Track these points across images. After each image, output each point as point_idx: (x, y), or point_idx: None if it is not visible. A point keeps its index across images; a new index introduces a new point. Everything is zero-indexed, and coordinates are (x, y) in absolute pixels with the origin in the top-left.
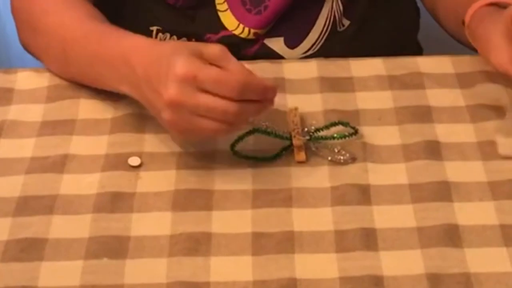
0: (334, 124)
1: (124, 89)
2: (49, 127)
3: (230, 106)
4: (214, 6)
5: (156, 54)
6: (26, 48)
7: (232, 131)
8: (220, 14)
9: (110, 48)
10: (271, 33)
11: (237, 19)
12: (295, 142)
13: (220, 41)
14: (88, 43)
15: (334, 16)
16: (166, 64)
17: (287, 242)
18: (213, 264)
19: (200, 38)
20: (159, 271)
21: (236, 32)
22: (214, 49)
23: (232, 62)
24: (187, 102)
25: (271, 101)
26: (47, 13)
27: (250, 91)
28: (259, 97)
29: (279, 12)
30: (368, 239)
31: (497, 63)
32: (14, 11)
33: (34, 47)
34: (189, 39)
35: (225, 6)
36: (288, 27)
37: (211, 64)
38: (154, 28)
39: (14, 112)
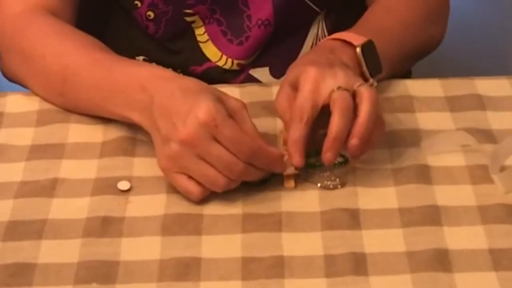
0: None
1: (132, 115)
2: (39, 151)
3: (237, 164)
4: (195, 37)
5: (180, 87)
6: (8, 74)
7: (226, 187)
8: (201, 45)
9: (124, 74)
10: (256, 63)
11: (219, 50)
12: (285, 171)
13: (205, 73)
14: (96, 70)
15: None
16: (191, 102)
17: (277, 267)
18: None
19: (185, 70)
20: None
21: (220, 63)
22: (236, 104)
23: (247, 123)
24: (200, 145)
25: (275, 170)
26: (44, 42)
27: (258, 158)
28: (265, 166)
29: (261, 42)
30: (358, 264)
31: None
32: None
33: (21, 74)
34: (174, 71)
35: (206, 37)
36: (273, 57)
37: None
38: (140, 58)
39: (4, 135)
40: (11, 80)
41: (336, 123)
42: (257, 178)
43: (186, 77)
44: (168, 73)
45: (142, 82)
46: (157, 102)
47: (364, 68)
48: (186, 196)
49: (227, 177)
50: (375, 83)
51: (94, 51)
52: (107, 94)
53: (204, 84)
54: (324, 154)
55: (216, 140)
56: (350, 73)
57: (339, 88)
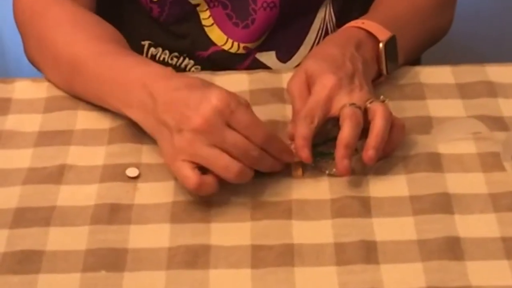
0: (332, 139)
1: (130, 112)
2: (46, 138)
3: (253, 149)
4: (200, 21)
5: (183, 82)
6: (30, 58)
7: (239, 176)
8: (206, 29)
9: (124, 70)
10: (263, 47)
11: (225, 33)
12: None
13: (210, 57)
14: (100, 61)
15: (327, 28)
16: (200, 93)
17: (287, 255)
18: (212, 277)
19: (191, 54)
20: (157, 284)
21: (226, 47)
22: (242, 98)
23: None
24: (215, 132)
25: (285, 162)
26: (58, 28)
27: (272, 144)
28: (277, 153)
29: (267, 25)
30: (369, 252)
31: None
32: (19, 23)
33: (40, 59)
34: (180, 55)
35: (211, 21)
36: (279, 41)
37: None
38: (146, 43)
39: (12, 122)
40: (32, 64)
41: (347, 132)
42: (269, 168)
43: (186, 74)
44: (169, 71)
45: (143, 80)
46: (160, 100)
47: (383, 65)
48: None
49: (240, 164)
50: (387, 100)
51: (103, 42)
52: (107, 88)
53: (206, 81)
54: (340, 163)
55: (230, 127)
56: (365, 90)
57: (351, 104)
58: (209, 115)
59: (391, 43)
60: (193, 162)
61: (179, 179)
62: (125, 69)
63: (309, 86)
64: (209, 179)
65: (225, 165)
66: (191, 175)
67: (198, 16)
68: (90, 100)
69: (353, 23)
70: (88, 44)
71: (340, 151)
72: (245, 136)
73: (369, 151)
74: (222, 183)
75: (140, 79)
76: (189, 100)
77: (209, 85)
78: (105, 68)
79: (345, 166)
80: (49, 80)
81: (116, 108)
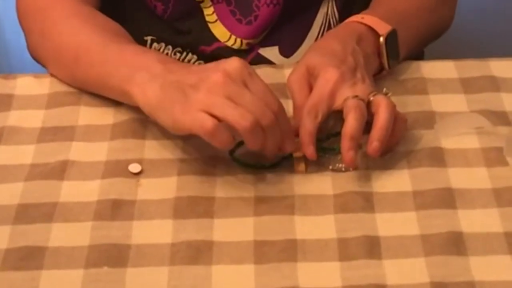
0: (335, 134)
1: (131, 85)
2: (49, 133)
3: (268, 110)
4: (203, 17)
5: (194, 65)
6: (33, 54)
7: (253, 131)
8: (210, 25)
9: (133, 55)
10: (266, 43)
11: (228, 30)
12: (295, 153)
13: (214, 53)
14: (108, 48)
15: (329, 23)
16: (216, 63)
17: (290, 250)
18: (214, 272)
19: (194, 50)
20: (160, 280)
21: (229, 43)
22: None
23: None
24: (234, 86)
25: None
26: (63, 21)
27: (283, 117)
28: (285, 133)
29: (270, 21)
30: (372, 247)
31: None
32: (22, 18)
33: (42, 53)
34: (183, 51)
35: (215, 17)
36: (282, 36)
37: None
38: (149, 38)
39: (14, 118)
40: (36, 60)
41: (351, 123)
42: (274, 146)
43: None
44: (171, 58)
45: (154, 62)
46: (174, 72)
47: (384, 59)
48: (198, 178)
49: (254, 121)
50: (390, 93)
51: (110, 33)
52: (112, 69)
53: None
54: (345, 155)
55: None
56: (367, 83)
57: (354, 97)
58: (230, 72)
59: (391, 37)
60: (208, 112)
61: (193, 129)
62: (132, 54)
63: (309, 81)
64: (225, 127)
65: (241, 114)
66: (207, 119)
67: (202, 12)
68: (90, 87)
69: (353, 18)
70: (94, 34)
71: (345, 143)
72: (262, 99)
73: (374, 143)
74: (225, 180)
75: (149, 61)
76: (207, 67)
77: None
78: (111, 54)
79: (351, 157)
80: (52, 75)
81: (117, 88)
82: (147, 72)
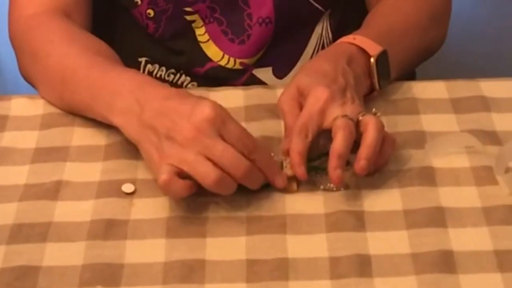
0: (326, 154)
1: (113, 116)
2: (43, 154)
3: (242, 161)
4: (195, 38)
5: (174, 91)
6: (24, 75)
7: (219, 185)
8: (202, 45)
9: (115, 77)
10: (259, 63)
11: (221, 49)
12: (287, 173)
13: (207, 73)
14: (92, 71)
15: (323, 44)
16: (191, 102)
17: (282, 269)
18: None
19: (188, 71)
20: None
21: (222, 63)
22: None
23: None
24: (206, 141)
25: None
26: (51, 42)
27: (262, 156)
28: (266, 167)
29: (263, 40)
30: (363, 265)
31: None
32: (13, 39)
33: (32, 75)
34: (177, 72)
35: (207, 37)
36: (276, 57)
37: None
38: (143, 59)
39: (8, 138)
40: (27, 81)
41: (339, 142)
42: (256, 184)
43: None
44: (159, 82)
45: (130, 87)
46: (148, 106)
47: (375, 80)
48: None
49: (228, 176)
50: (379, 113)
51: (96, 55)
52: (96, 94)
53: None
54: (332, 173)
55: (222, 138)
56: (357, 103)
57: (344, 116)
58: (202, 125)
59: (382, 58)
60: (176, 167)
61: (157, 179)
62: (114, 77)
63: (300, 101)
64: (180, 181)
65: (205, 171)
66: (164, 174)
67: (194, 32)
68: (78, 111)
69: (344, 38)
70: (80, 56)
71: (333, 162)
72: (236, 147)
73: (361, 161)
74: (217, 199)
75: (128, 85)
76: (181, 109)
77: (199, 96)
78: (94, 78)
79: (338, 175)
80: (43, 97)
81: (101, 115)
82: (124, 102)
